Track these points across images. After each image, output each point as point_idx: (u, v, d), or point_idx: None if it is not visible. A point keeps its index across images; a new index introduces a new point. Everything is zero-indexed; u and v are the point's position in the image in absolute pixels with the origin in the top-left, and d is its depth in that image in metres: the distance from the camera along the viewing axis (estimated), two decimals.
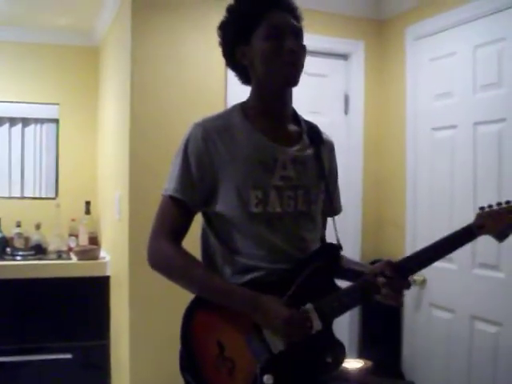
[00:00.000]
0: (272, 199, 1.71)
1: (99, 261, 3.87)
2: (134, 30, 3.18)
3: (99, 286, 3.84)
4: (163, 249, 1.71)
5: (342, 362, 1.69)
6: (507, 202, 1.61)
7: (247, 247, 1.71)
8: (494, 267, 2.82)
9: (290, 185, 1.75)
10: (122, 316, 3.39)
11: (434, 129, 3.33)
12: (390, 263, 1.66)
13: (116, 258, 3.64)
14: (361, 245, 3.69)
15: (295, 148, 1.79)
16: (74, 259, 3.86)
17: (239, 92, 3.29)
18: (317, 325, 1.63)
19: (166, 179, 1.77)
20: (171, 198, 1.72)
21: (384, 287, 1.62)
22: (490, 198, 2.86)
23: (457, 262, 2.99)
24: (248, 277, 1.70)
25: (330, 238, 1.87)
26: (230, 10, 1.81)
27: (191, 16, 3.29)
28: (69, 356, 3.74)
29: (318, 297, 1.65)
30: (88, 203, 4.30)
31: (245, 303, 1.63)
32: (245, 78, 1.83)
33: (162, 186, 3.11)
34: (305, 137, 1.84)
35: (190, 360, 1.69)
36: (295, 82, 1.74)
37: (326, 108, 3.65)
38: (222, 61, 3.22)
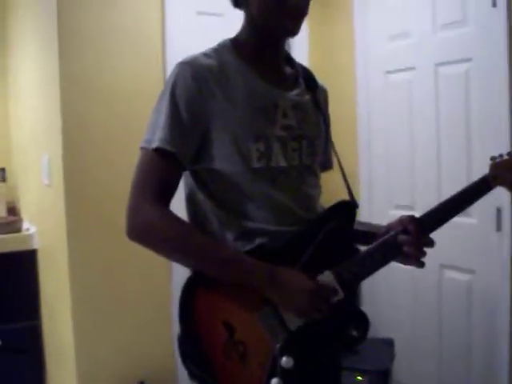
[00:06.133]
0: (275, 152, 1.47)
1: (23, 233, 3.45)
2: None
3: (25, 262, 3.43)
4: (150, 215, 1.38)
5: (366, 335, 1.48)
6: None
7: (249, 208, 1.46)
8: (466, 212, 2.67)
9: (293, 135, 1.51)
10: (58, 292, 3.02)
11: (389, 72, 3.15)
12: (413, 219, 1.46)
13: (45, 228, 3.24)
14: None
15: (294, 92, 1.56)
16: None
17: (178, 31, 2.98)
18: (338, 294, 1.41)
19: (145, 130, 1.45)
20: (157, 150, 1.39)
21: (406, 246, 1.43)
22: (455, 144, 2.79)
23: (420, 208, 2.86)
24: (254, 242, 1.45)
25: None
26: None
27: None
28: None
29: (335, 262, 1.43)
30: (3, 170, 3.83)
31: (258, 276, 1.37)
32: (236, 4, 1.53)
33: (101, 143, 2.85)
34: (301, 80, 1.62)
35: (194, 348, 1.41)
36: (297, 33, 1.49)
37: None
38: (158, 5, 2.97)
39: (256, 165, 1.44)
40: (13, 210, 3.82)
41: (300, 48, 3.42)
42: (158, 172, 1.40)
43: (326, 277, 1.41)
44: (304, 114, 1.55)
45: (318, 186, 1.62)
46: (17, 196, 3.88)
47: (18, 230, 3.45)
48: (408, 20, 3.01)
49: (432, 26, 2.88)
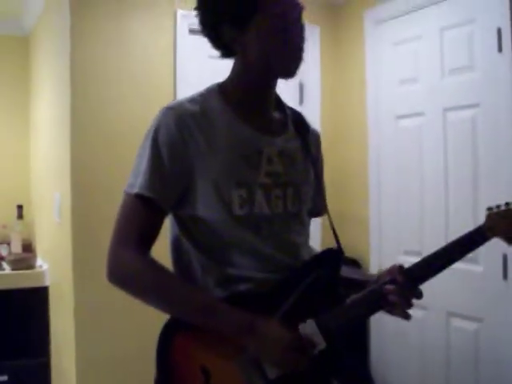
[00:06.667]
0: (258, 199, 1.44)
1: (36, 270, 3.49)
2: (73, 13, 2.83)
3: (36, 298, 3.47)
4: (129, 260, 1.38)
5: None
6: None
7: (231, 255, 1.42)
8: (472, 260, 2.63)
9: (278, 182, 1.48)
10: (65, 330, 3.04)
11: (399, 117, 3.15)
12: (402, 270, 1.41)
13: (55, 265, 3.28)
14: (321, 243, 3.46)
15: (281, 138, 1.52)
16: (8, 269, 3.47)
17: (190, 76, 3.06)
18: (320, 344, 1.35)
19: (129, 174, 1.44)
20: (138, 196, 1.39)
21: (394, 296, 1.38)
22: (463, 190, 2.77)
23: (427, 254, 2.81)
24: (234, 289, 1.42)
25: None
26: None
27: None
28: (4, 378, 3.35)
29: (319, 311, 1.38)
30: (20, 207, 3.89)
31: (236, 326, 1.33)
32: (226, 54, 1.50)
33: (107, 184, 2.89)
34: (290, 125, 1.58)
35: None
36: (295, 75, 1.48)
37: None
38: (170, 44, 3.05)
39: (238, 212, 1.41)
40: (28, 247, 3.88)
41: (312, 92, 3.46)
42: (139, 217, 1.40)
43: (309, 325, 1.36)
44: (291, 160, 1.52)
45: (304, 234, 1.57)
46: (33, 233, 3.95)
47: (32, 267, 3.50)
48: (417, 65, 3.03)
49: (440, 71, 2.89)
